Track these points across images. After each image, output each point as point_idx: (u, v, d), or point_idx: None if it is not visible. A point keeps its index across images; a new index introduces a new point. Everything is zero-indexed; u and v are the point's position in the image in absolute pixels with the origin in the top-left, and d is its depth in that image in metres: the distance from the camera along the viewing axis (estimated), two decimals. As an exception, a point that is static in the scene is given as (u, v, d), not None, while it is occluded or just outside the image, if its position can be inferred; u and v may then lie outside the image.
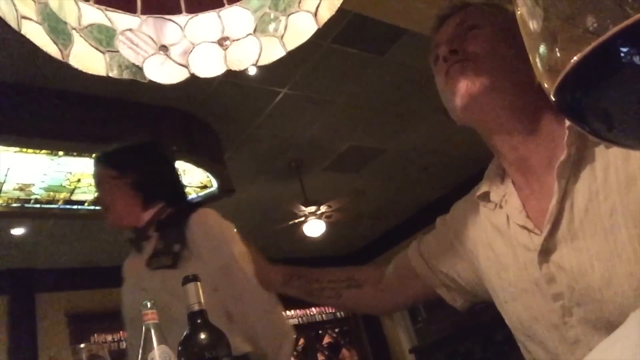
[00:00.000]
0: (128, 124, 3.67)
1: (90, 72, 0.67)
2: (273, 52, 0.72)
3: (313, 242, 6.02)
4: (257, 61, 0.71)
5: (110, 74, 0.67)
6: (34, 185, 4.01)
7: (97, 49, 0.66)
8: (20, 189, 4.03)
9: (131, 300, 1.49)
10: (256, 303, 1.35)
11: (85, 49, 0.66)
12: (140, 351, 0.88)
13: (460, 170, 5.77)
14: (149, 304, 0.91)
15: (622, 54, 0.29)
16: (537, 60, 0.34)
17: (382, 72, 4.18)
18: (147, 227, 1.53)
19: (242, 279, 1.36)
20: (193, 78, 0.69)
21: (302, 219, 5.52)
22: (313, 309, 7.03)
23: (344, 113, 4.59)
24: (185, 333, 0.90)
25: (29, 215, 4.29)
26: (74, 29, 0.65)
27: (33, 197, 4.12)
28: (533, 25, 0.34)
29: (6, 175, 3.81)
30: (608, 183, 0.80)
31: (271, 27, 0.72)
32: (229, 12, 0.69)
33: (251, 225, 5.94)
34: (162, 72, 0.68)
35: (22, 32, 0.63)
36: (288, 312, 6.87)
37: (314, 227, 5.53)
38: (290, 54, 0.73)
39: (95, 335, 5.15)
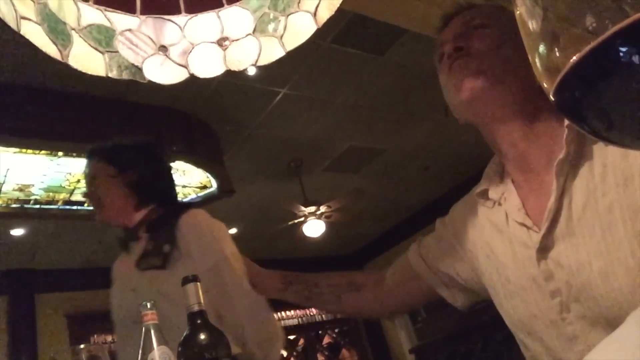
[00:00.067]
0: (128, 125, 3.68)
1: (89, 72, 0.67)
2: (272, 52, 0.72)
3: (313, 242, 6.02)
4: (256, 61, 0.71)
5: (110, 75, 0.67)
6: (33, 185, 4.01)
7: (96, 49, 0.66)
8: (20, 190, 4.03)
9: (120, 302, 1.48)
10: (246, 304, 1.34)
11: (84, 50, 0.66)
12: (140, 352, 0.88)
13: (460, 170, 5.77)
14: (148, 305, 0.91)
15: (621, 54, 0.29)
16: (537, 60, 0.34)
17: (381, 72, 4.18)
18: (138, 228, 1.52)
19: (232, 280, 1.35)
20: (192, 78, 0.69)
21: (302, 219, 5.52)
22: (313, 309, 7.03)
23: (344, 113, 4.60)
24: (185, 333, 0.90)
25: (28, 215, 4.28)
26: (74, 29, 0.65)
27: (33, 197, 4.12)
28: (532, 25, 0.34)
29: (6, 176, 3.81)
30: (606, 180, 0.81)
31: (270, 27, 0.72)
32: (228, 12, 0.69)
33: (251, 225, 5.95)
34: (162, 73, 0.68)
35: (22, 32, 0.62)
36: (288, 313, 6.89)
37: (314, 228, 5.53)
38: (290, 54, 0.73)
39: (95, 335, 5.15)
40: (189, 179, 4.57)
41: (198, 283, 0.92)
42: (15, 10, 0.62)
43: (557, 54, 0.32)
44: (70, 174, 3.90)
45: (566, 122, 0.84)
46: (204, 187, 4.67)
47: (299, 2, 0.72)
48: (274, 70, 3.73)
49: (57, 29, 0.64)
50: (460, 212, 1.10)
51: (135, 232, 1.52)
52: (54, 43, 0.64)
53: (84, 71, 0.66)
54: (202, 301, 0.91)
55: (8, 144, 3.49)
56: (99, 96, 3.63)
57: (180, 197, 4.70)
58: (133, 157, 1.61)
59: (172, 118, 4.05)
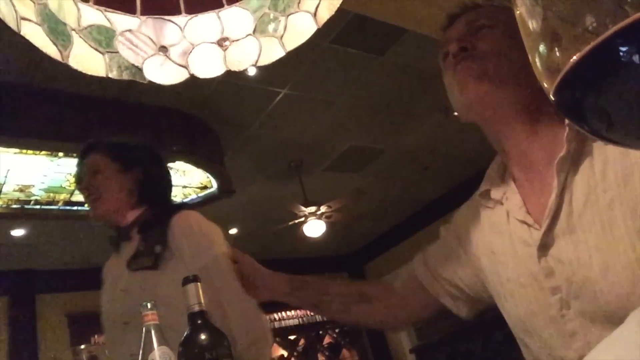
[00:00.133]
0: (128, 125, 3.68)
1: (89, 73, 0.67)
2: (273, 52, 0.72)
3: (313, 243, 6.02)
4: (256, 61, 0.71)
5: (110, 75, 0.67)
6: (34, 186, 4.02)
7: (96, 49, 0.66)
8: (20, 190, 4.03)
9: (111, 302, 1.47)
10: (236, 306, 1.33)
11: (84, 50, 0.66)
12: (141, 352, 0.88)
13: (460, 170, 5.77)
14: (149, 305, 0.91)
15: (621, 54, 0.29)
16: (537, 59, 0.34)
17: (381, 72, 4.18)
18: (130, 228, 1.52)
19: (223, 281, 1.34)
20: (193, 79, 0.69)
21: (302, 219, 5.52)
22: (313, 309, 7.02)
23: (344, 113, 4.60)
24: (185, 333, 0.90)
25: (29, 216, 4.29)
26: (74, 30, 0.65)
27: (33, 198, 4.13)
28: (532, 24, 0.34)
29: (6, 177, 3.81)
30: (606, 177, 0.81)
31: (271, 27, 0.72)
32: (228, 12, 0.69)
33: (251, 225, 5.95)
34: (162, 73, 0.68)
35: (22, 33, 0.63)
36: (288, 313, 6.89)
37: (314, 228, 5.53)
38: (290, 54, 0.73)
39: (96, 336, 5.14)
40: (189, 179, 4.57)
41: (198, 283, 0.92)
42: (16, 11, 0.62)
43: (557, 53, 0.32)
44: (70, 174, 3.90)
45: (567, 120, 0.85)
46: (204, 188, 4.67)
47: (299, 2, 0.72)
48: (274, 71, 3.73)
49: (57, 29, 0.64)
50: (462, 217, 1.11)
51: (128, 231, 1.52)
52: (54, 44, 0.64)
53: (84, 72, 0.66)
54: (202, 301, 0.91)
55: (8, 144, 3.50)
56: (99, 97, 3.63)
57: (180, 198, 4.70)
58: (138, 157, 1.61)
59: (172, 118, 4.05)
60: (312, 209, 5.44)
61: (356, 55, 3.94)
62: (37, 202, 4.16)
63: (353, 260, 7.78)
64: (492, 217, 0.99)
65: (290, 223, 5.56)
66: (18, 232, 4.70)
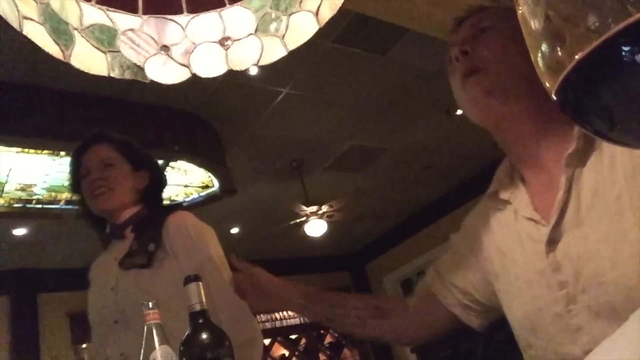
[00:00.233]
0: (129, 124, 3.68)
1: (91, 72, 0.67)
2: (274, 51, 0.72)
3: (314, 242, 6.02)
4: (258, 61, 0.71)
5: (112, 74, 0.67)
6: (35, 185, 4.02)
7: (98, 49, 0.66)
8: (22, 190, 4.04)
9: (101, 302, 1.47)
10: (227, 307, 1.32)
11: (86, 49, 0.66)
12: (142, 351, 0.88)
13: (462, 170, 5.77)
14: (150, 304, 0.91)
15: (623, 53, 0.29)
16: (539, 59, 0.34)
17: (383, 72, 4.18)
18: (125, 226, 1.52)
19: (216, 282, 1.34)
20: (194, 78, 0.69)
21: (304, 218, 5.52)
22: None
23: (345, 112, 4.60)
24: (186, 333, 0.90)
25: (30, 215, 4.29)
26: (76, 29, 0.65)
27: (35, 197, 4.13)
28: (534, 24, 0.34)
29: (8, 176, 3.82)
30: (615, 171, 0.82)
31: (272, 26, 0.72)
32: (230, 12, 0.69)
33: (252, 225, 5.95)
34: (164, 72, 0.68)
35: (24, 32, 0.63)
36: (290, 312, 6.89)
37: (315, 227, 5.53)
38: (292, 54, 0.73)
39: (97, 335, 5.16)
40: (191, 179, 4.57)
41: (200, 282, 0.92)
42: (18, 10, 0.62)
43: (560, 53, 0.32)
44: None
45: None
46: (206, 187, 4.67)
47: (300, 2, 0.72)
48: (275, 70, 3.73)
49: (59, 28, 0.64)
50: (472, 222, 1.11)
51: (122, 229, 1.52)
52: (57, 43, 0.64)
53: (86, 71, 0.66)
54: (203, 300, 0.91)
55: (10, 144, 3.50)
56: (101, 96, 3.63)
57: (182, 197, 4.71)
58: (147, 160, 1.63)
59: (174, 118, 4.06)
60: (314, 208, 5.45)
61: (358, 55, 3.94)
62: (38, 202, 4.16)
63: (354, 260, 7.78)
64: (501, 219, 1.00)
65: (292, 222, 5.57)
66: (20, 231, 4.70)
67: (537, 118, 0.92)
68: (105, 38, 0.66)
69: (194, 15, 0.67)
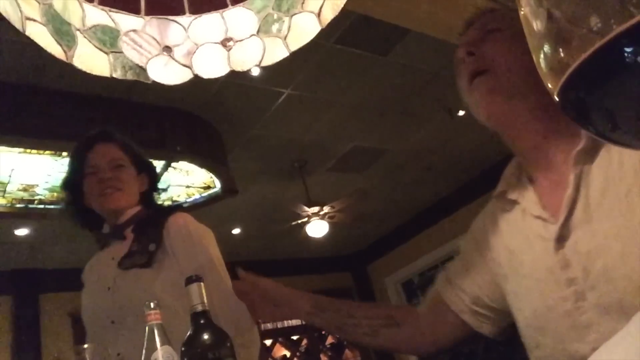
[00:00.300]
0: (132, 125, 3.68)
1: (94, 72, 0.67)
2: (276, 52, 0.72)
3: (316, 243, 6.02)
4: (260, 62, 0.71)
5: (114, 75, 0.68)
6: (37, 185, 4.03)
7: (101, 49, 0.67)
8: (24, 190, 4.04)
9: (98, 302, 1.46)
10: (227, 308, 1.32)
11: (89, 50, 0.66)
12: (144, 352, 0.88)
13: (464, 170, 5.76)
14: (152, 305, 0.91)
15: (626, 54, 0.29)
16: (541, 60, 0.34)
17: (385, 73, 4.18)
18: (126, 226, 1.53)
19: (216, 283, 1.34)
20: (196, 79, 0.69)
21: (305, 219, 5.52)
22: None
23: (347, 113, 4.60)
24: (188, 333, 0.90)
25: (33, 215, 4.30)
26: (78, 30, 0.65)
27: (37, 197, 4.14)
28: (537, 25, 0.34)
29: (10, 176, 3.83)
30: (624, 167, 0.83)
31: (274, 27, 0.72)
32: (232, 12, 0.69)
33: (254, 225, 5.96)
34: (166, 73, 0.68)
35: (27, 33, 0.63)
36: (291, 313, 6.88)
37: (317, 228, 5.53)
38: (294, 55, 0.73)
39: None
40: (193, 179, 4.58)
41: (201, 283, 0.92)
42: (21, 11, 0.62)
43: (562, 54, 0.32)
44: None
45: None
46: (208, 187, 4.67)
47: (302, 3, 0.72)
48: (277, 71, 3.73)
49: (62, 29, 0.64)
50: (479, 224, 1.11)
51: (122, 229, 1.53)
52: (59, 44, 0.65)
53: (88, 72, 0.66)
54: (205, 301, 0.91)
55: (12, 144, 3.51)
56: (103, 96, 3.64)
57: (184, 197, 4.71)
58: (146, 165, 1.64)
59: (176, 118, 4.06)
60: (315, 209, 5.45)
61: (360, 56, 3.94)
62: (41, 202, 4.17)
63: (356, 261, 7.78)
64: (509, 219, 1.00)
65: (294, 223, 5.57)
66: (22, 232, 4.71)
67: (543, 117, 0.92)
68: (107, 39, 0.66)
69: (196, 16, 0.67)
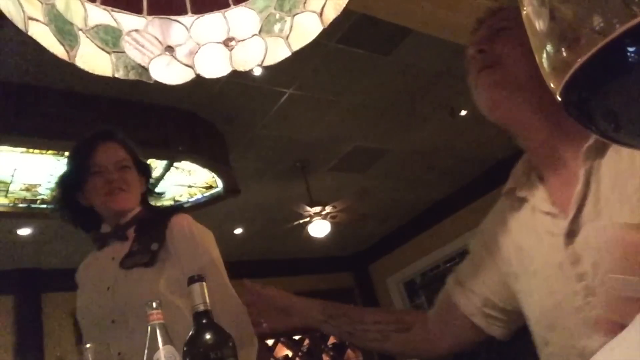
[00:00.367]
0: (134, 125, 3.69)
1: (96, 72, 0.67)
2: (278, 52, 0.72)
3: (318, 243, 6.02)
4: (262, 62, 0.71)
5: (116, 75, 0.68)
6: (40, 185, 4.04)
7: (103, 49, 0.67)
8: (27, 190, 4.05)
9: (97, 302, 1.46)
10: (227, 309, 1.33)
11: (91, 50, 0.66)
12: (146, 351, 0.88)
13: (466, 170, 5.76)
14: (154, 304, 0.91)
15: (628, 54, 0.29)
16: (544, 59, 0.34)
17: (387, 73, 4.18)
18: (128, 226, 1.53)
19: (217, 284, 1.35)
20: (198, 79, 0.69)
21: (307, 219, 5.53)
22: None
23: (349, 113, 4.60)
24: (190, 333, 0.90)
25: (35, 215, 4.31)
26: (81, 30, 0.65)
27: (39, 197, 4.15)
28: (539, 25, 0.34)
29: (13, 176, 3.83)
30: (634, 162, 0.83)
31: (276, 27, 0.72)
32: (234, 12, 0.69)
33: (256, 225, 5.96)
34: (168, 73, 0.68)
35: (29, 33, 0.63)
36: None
37: (319, 228, 5.53)
38: (296, 55, 0.73)
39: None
40: (195, 179, 4.58)
41: (204, 283, 0.93)
42: (23, 11, 0.62)
43: (564, 54, 0.32)
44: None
45: None
46: (210, 187, 4.68)
47: (304, 3, 0.72)
48: (279, 71, 3.73)
49: (64, 29, 0.65)
50: (489, 224, 1.11)
51: (125, 229, 1.53)
52: (61, 44, 0.65)
53: (90, 71, 0.66)
54: (207, 301, 0.91)
55: (15, 144, 3.52)
56: (105, 96, 3.65)
57: (186, 197, 4.72)
58: (146, 168, 1.65)
59: (178, 118, 4.06)
60: (317, 209, 5.44)
61: (362, 56, 3.94)
62: (43, 201, 4.18)
63: (358, 261, 7.78)
64: (519, 216, 1.00)
65: (295, 223, 5.57)
66: (24, 231, 4.72)
67: (550, 114, 0.92)
68: (109, 39, 0.66)
69: (198, 15, 0.67)
